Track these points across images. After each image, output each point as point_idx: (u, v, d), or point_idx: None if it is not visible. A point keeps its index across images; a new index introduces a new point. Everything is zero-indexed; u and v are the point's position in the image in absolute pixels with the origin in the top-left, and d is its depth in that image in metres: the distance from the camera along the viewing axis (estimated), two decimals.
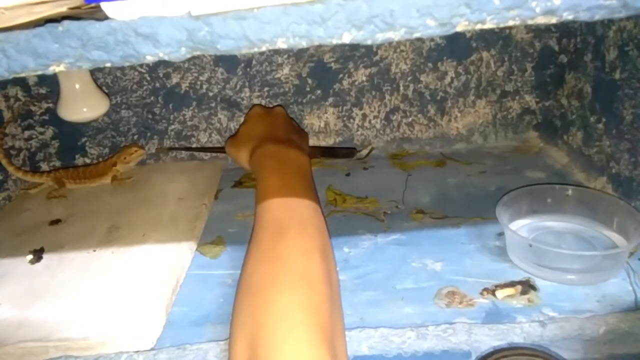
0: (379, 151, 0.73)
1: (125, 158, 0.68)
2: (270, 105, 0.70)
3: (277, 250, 0.41)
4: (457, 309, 0.43)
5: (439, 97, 0.70)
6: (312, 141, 0.72)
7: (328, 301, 0.37)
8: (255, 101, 0.70)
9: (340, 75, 0.69)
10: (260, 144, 0.57)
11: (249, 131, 0.62)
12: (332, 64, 0.68)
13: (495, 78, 0.69)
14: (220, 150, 0.70)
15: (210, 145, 0.73)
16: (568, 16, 0.25)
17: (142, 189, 0.67)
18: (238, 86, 0.69)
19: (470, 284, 0.46)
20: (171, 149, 0.73)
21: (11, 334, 0.42)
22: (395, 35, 0.26)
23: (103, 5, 0.26)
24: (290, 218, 0.45)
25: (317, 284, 0.38)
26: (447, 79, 0.69)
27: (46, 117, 0.71)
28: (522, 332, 0.39)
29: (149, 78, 0.69)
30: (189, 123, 0.72)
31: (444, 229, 0.54)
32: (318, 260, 0.40)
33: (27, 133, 0.71)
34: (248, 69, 0.68)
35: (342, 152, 0.70)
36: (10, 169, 0.67)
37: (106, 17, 0.26)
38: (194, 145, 0.73)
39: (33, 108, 0.70)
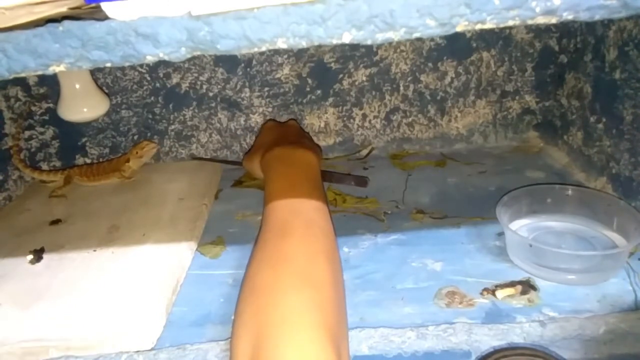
0: (379, 151, 0.73)
1: (137, 153, 0.68)
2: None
3: (281, 251, 0.41)
4: (457, 309, 0.43)
5: (439, 97, 0.71)
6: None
7: (333, 302, 0.37)
8: (256, 101, 0.70)
9: (341, 75, 0.69)
10: (269, 149, 0.58)
11: (261, 142, 0.63)
12: (332, 64, 0.68)
13: (495, 78, 0.69)
14: (239, 164, 0.71)
15: (211, 144, 0.73)
16: (568, 16, 0.25)
17: (142, 189, 0.66)
18: (238, 86, 0.69)
19: (470, 283, 0.46)
20: (195, 158, 0.73)
21: (11, 333, 0.42)
22: (395, 35, 0.26)
23: (103, 5, 0.26)
24: (295, 219, 0.45)
25: (322, 285, 0.38)
26: (447, 79, 0.69)
27: (46, 117, 0.71)
28: (522, 332, 0.39)
29: (149, 78, 0.69)
30: (189, 123, 0.72)
31: (444, 229, 0.54)
32: (323, 261, 0.40)
33: (27, 133, 0.71)
34: (248, 69, 0.68)
35: (354, 179, 0.65)
36: (26, 171, 0.69)
37: (106, 17, 0.26)
38: (194, 146, 0.73)
39: (33, 108, 0.70)
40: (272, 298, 0.37)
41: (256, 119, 0.71)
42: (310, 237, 0.43)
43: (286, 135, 0.63)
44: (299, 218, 0.45)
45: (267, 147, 0.59)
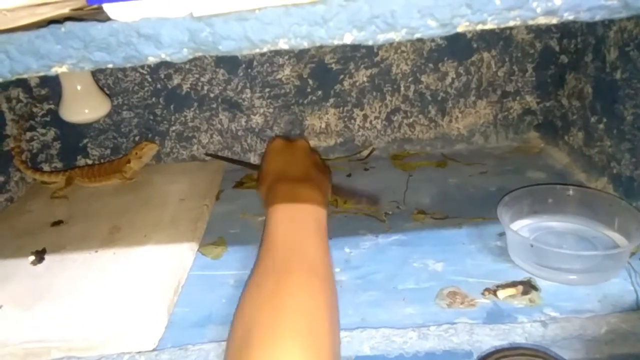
0: (380, 152, 0.73)
1: (136, 153, 0.69)
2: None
3: (278, 296, 0.38)
4: (459, 309, 0.43)
5: (439, 98, 0.71)
6: (313, 142, 0.72)
7: (330, 350, 0.35)
8: (257, 102, 0.70)
9: (341, 76, 0.69)
10: (274, 183, 0.54)
11: (267, 167, 0.59)
12: (333, 65, 0.69)
13: (496, 78, 0.69)
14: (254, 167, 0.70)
15: (212, 145, 0.73)
16: (569, 16, 0.25)
17: (143, 190, 0.67)
18: (239, 87, 0.70)
19: (472, 284, 0.46)
20: (208, 154, 0.73)
21: (13, 334, 0.42)
22: (396, 36, 0.26)
23: (105, 6, 0.26)
24: (294, 263, 0.42)
25: (322, 337, 0.36)
26: (448, 80, 0.69)
27: (48, 119, 0.71)
28: (523, 332, 0.39)
29: (150, 79, 0.69)
30: (190, 124, 0.72)
31: (445, 230, 0.54)
32: (323, 311, 0.38)
33: (28, 134, 0.71)
34: (249, 70, 0.69)
35: (365, 198, 0.62)
36: (27, 172, 0.70)
37: (108, 19, 0.26)
38: (195, 147, 0.73)
39: (35, 109, 0.70)
40: (269, 353, 0.34)
41: (257, 120, 0.72)
42: (310, 282, 0.40)
43: (292, 163, 0.58)
44: (298, 261, 0.42)
45: (271, 178, 0.55)
